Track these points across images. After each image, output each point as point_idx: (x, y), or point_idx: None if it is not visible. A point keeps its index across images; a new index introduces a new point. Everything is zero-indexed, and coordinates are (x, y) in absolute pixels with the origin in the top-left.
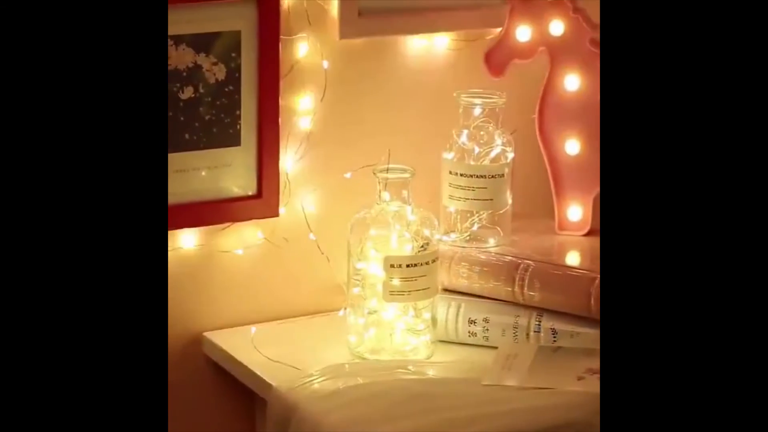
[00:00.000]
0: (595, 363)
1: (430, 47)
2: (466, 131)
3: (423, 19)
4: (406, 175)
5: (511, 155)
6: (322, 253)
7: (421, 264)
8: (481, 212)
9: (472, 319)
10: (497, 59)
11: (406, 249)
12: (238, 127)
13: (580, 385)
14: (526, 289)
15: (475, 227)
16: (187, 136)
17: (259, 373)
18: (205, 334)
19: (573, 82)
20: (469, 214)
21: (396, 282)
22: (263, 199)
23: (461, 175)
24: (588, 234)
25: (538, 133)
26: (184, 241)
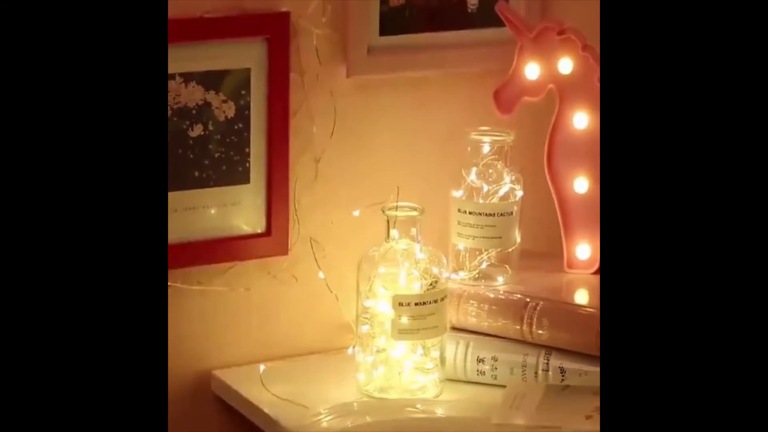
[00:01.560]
0: None
1: (439, 84)
2: (474, 169)
3: (432, 57)
4: (415, 213)
5: (519, 193)
6: (331, 291)
7: (430, 302)
8: (490, 250)
9: (481, 357)
10: (506, 97)
11: (414, 287)
12: (248, 164)
13: (588, 423)
14: (534, 327)
15: (483, 265)
16: (196, 173)
17: (267, 411)
18: (214, 372)
19: (582, 120)
20: (477, 252)
21: (405, 320)
22: (272, 237)
23: (470, 213)
24: (597, 272)
25: (546, 171)
26: (193, 279)
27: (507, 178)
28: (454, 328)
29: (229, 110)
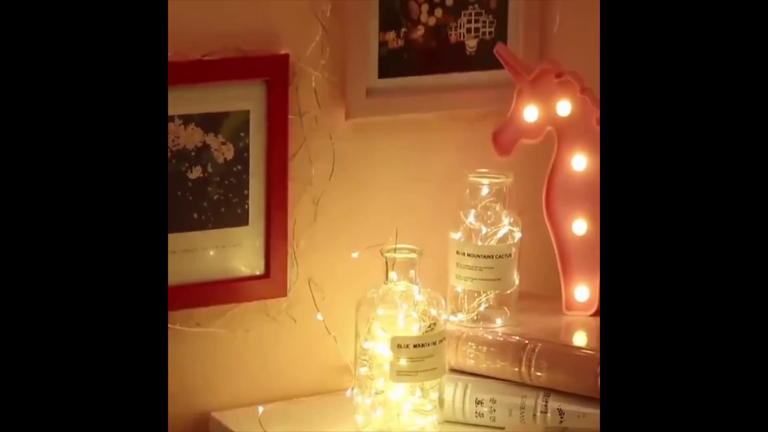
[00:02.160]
0: None
1: (437, 127)
2: (473, 211)
3: (430, 99)
4: (414, 255)
5: (518, 235)
6: (330, 333)
7: (429, 344)
8: (489, 292)
9: (480, 399)
10: (505, 139)
11: (413, 329)
12: (247, 206)
13: None
14: (533, 369)
15: (482, 307)
16: (195, 215)
17: None
18: (213, 414)
19: (580, 162)
20: (476, 294)
21: (403, 362)
22: (271, 279)
23: (468, 255)
24: (595, 314)
25: (545, 212)
26: (192, 321)
27: (505, 220)
28: (453, 370)
29: (228, 152)
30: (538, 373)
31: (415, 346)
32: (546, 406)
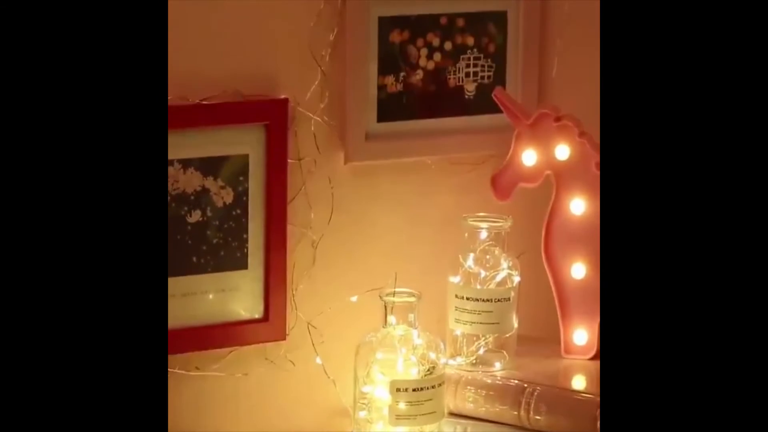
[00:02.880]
0: None
1: (436, 171)
2: (472, 255)
3: (429, 143)
4: (413, 299)
5: (517, 279)
6: (329, 377)
7: (428, 388)
8: (487, 336)
9: None
10: (504, 183)
11: (412, 373)
12: (246, 250)
13: None
14: (532, 413)
15: (481, 351)
16: (194, 259)
17: None
18: None
19: (579, 206)
20: (475, 338)
21: (402, 406)
22: (270, 323)
23: (467, 298)
24: (594, 358)
25: (544, 256)
26: (191, 365)
27: (504, 264)
28: (452, 414)
29: (228, 196)
30: (537, 417)
31: (414, 389)
32: None
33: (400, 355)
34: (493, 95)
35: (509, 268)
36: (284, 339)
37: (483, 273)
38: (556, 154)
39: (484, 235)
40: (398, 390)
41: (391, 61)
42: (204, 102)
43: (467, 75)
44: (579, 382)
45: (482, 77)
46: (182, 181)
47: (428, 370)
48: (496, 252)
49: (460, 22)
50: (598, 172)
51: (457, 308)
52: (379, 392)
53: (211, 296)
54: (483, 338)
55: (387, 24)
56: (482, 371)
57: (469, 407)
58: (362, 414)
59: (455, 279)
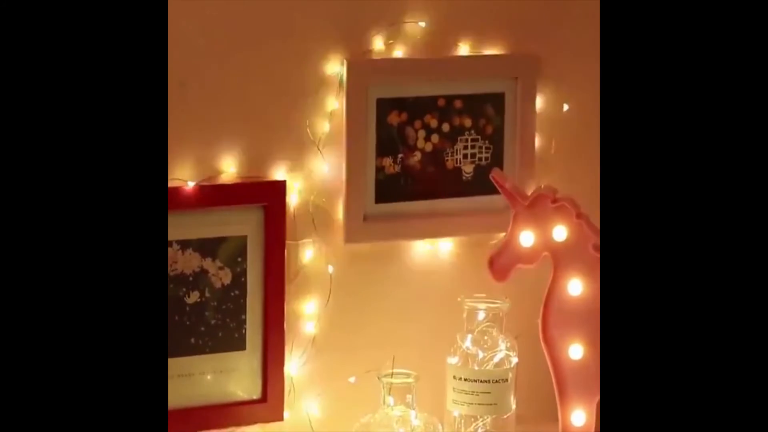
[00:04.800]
0: None
1: (434, 252)
2: (470, 336)
3: (427, 225)
4: (410, 380)
5: (514, 360)
6: None
7: None
8: (485, 417)
9: None
10: (501, 264)
11: None
12: (244, 331)
13: None
14: None
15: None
16: (192, 340)
17: None
18: None
19: (576, 287)
20: (473, 419)
21: None
22: (268, 404)
23: (465, 379)
24: None
25: (541, 337)
26: None
27: (502, 345)
28: None
29: (226, 277)
30: None
31: None
32: None
33: None
34: (490, 177)
35: (507, 348)
36: (282, 420)
37: (481, 354)
38: (553, 235)
39: (481, 316)
40: None
41: (389, 142)
42: (203, 184)
43: (465, 156)
44: None
45: (480, 159)
46: (181, 262)
47: None
48: (494, 333)
49: (458, 104)
50: (596, 254)
51: (454, 389)
52: None
53: (209, 377)
54: (481, 419)
55: (385, 105)
56: None
57: None
58: None
59: (453, 360)
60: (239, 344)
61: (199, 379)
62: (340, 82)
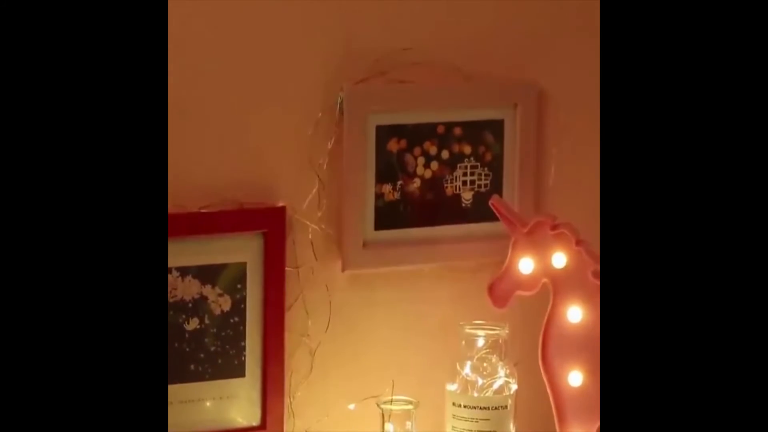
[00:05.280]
0: None
1: (433, 278)
2: (469, 363)
3: (426, 251)
4: (410, 406)
5: (514, 387)
6: None
7: None
8: None
9: None
10: (501, 291)
11: None
12: (243, 358)
13: None
14: None
15: None
16: (192, 367)
17: None
18: None
19: (576, 314)
20: None
21: None
22: (267, 431)
23: (464, 406)
24: None
25: (541, 364)
26: None
27: (501, 372)
28: None
29: (225, 304)
30: None
31: None
32: None
33: None
34: (490, 203)
35: (506, 375)
36: None
37: (480, 381)
38: (553, 262)
39: (481, 342)
40: None
41: (388, 169)
42: (202, 210)
43: (464, 183)
44: None
45: (479, 185)
46: (180, 289)
47: None
48: (494, 360)
49: (457, 131)
50: (595, 281)
51: (454, 416)
52: None
53: (208, 404)
54: None
55: (384, 133)
56: None
57: None
58: None
59: (452, 387)
60: (239, 371)
61: (199, 406)
62: (340, 108)
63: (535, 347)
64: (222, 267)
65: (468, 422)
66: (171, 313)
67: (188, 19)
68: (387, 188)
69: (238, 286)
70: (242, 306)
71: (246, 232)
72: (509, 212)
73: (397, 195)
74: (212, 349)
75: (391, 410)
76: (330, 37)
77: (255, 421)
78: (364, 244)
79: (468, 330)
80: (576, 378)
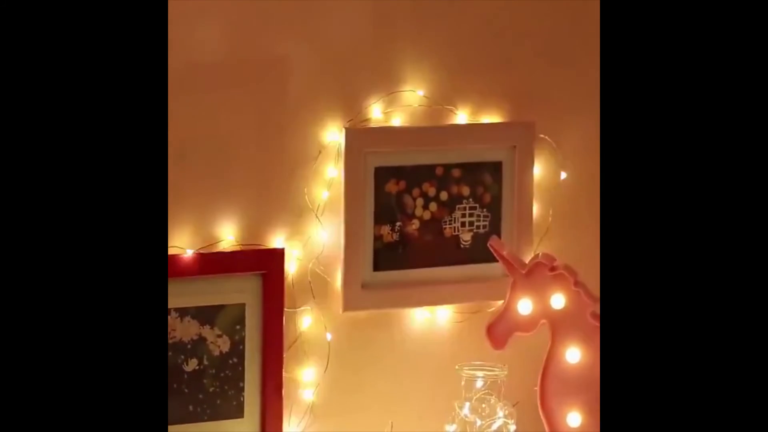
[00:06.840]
0: None
1: (432, 319)
2: (468, 403)
3: (425, 292)
4: None
5: (513, 427)
6: None
7: None
8: None
9: None
10: (499, 332)
11: None
12: (242, 398)
13: None
14: None
15: None
16: (191, 408)
17: None
18: None
19: (574, 354)
20: None
21: None
22: None
23: None
24: None
25: (540, 405)
26: None
27: (500, 413)
28: None
29: (224, 345)
30: None
31: None
32: None
33: None
34: (488, 245)
35: (505, 416)
36: None
37: (479, 422)
38: (551, 303)
39: (479, 383)
40: None
41: (387, 210)
42: (201, 251)
43: (463, 224)
44: None
45: (478, 227)
46: (179, 330)
47: None
48: (492, 400)
49: (456, 173)
50: (594, 322)
51: None
52: None
53: None
54: None
55: (383, 174)
56: None
57: None
58: None
59: (451, 428)
60: (237, 412)
61: None
62: (339, 150)
63: (534, 388)
64: (221, 308)
65: None
66: (170, 353)
67: (188, 65)
68: (386, 230)
69: (237, 327)
70: (241, 347)
71: (245, 273)
72: (508, 253)
73: (395, 236)
74: (211, 389)
75: None
76: (331, 79)
77: None
78: (363, 286)
79: (467, 371)
80: (575, 419)
